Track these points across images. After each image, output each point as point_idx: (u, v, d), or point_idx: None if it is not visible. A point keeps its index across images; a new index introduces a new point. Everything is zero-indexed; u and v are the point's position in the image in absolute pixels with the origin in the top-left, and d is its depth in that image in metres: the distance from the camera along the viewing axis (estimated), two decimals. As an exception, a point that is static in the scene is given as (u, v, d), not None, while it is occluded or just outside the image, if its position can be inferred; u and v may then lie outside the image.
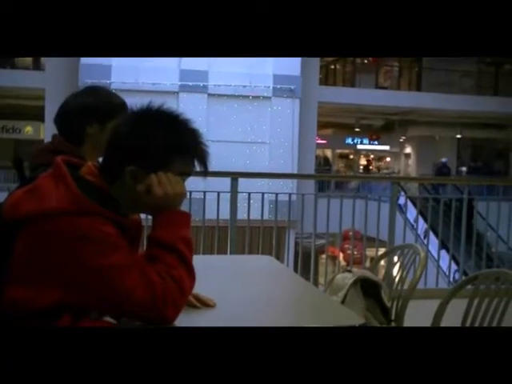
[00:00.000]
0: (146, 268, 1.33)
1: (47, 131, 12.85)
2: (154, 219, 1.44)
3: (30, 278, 1.29)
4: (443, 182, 10.82)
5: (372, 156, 27.37)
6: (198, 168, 1.47)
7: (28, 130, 18.95)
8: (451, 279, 5.83)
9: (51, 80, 13.11)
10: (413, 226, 6.66)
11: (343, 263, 8.41)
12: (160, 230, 1.41)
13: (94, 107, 1.95)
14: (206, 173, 1.48)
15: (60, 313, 1.29)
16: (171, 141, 1.41)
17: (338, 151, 26.65)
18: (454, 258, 5.66)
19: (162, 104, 1.45)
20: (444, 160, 17.44)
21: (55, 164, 1.39)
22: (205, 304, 1.64)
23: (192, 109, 13.32)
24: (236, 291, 1.86)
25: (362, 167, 25.93)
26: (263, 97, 13.79)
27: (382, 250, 4.28)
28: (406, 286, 2.55)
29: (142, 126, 1.41)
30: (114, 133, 1.45)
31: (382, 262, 3.12)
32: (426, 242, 7.72)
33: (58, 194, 1.31)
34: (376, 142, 25.66)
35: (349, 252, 6.19)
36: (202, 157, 1.47)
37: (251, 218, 4.77)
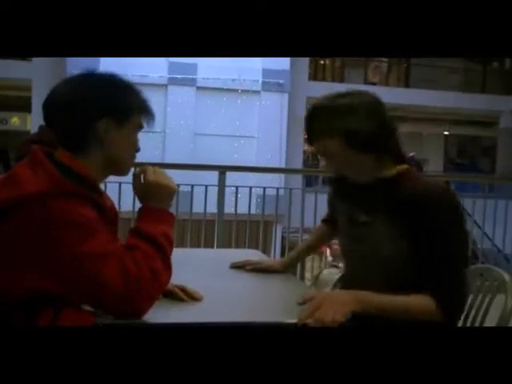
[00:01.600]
0: (123, 256, 1.32)
1: (34, 122, 12.76)
2: (140, 212, 1.45)
3: (8, 265, 1.28)
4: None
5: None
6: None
7: (15, 121, 18.80)
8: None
9: (38, 71, 13.00)
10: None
11: (330, 258, 8.44)
12: (144, 222, 1.43)
13: None
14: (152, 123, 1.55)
15: (40, 302, 1.27)
16: (132, 91, 1.49)
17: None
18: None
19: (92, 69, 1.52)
20: (411, 154, 17.71)
21: (31, 151, 1.40)
22: (191, 297, 1.63)
23: (180, 102, 13.31)
24: (222, 285, 1.86)
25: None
26: (252, 91, 13.77)
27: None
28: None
29: (105, 82, 1.49)
30: (67, 96, 1.46)
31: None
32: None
33: (37, 178, 1.31)
34: (364, 138, 25.72)
35: (335, 247, 6.21)
36: (149, 106, 1.54)
37: (238, 212, 4.77)
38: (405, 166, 1.73)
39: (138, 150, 1.55)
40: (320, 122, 1.70)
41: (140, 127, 1.52)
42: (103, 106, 1.44)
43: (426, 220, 1.60)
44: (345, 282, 1.87)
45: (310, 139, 1.76)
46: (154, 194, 1.48)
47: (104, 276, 1.28)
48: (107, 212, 1.42)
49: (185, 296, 1.63)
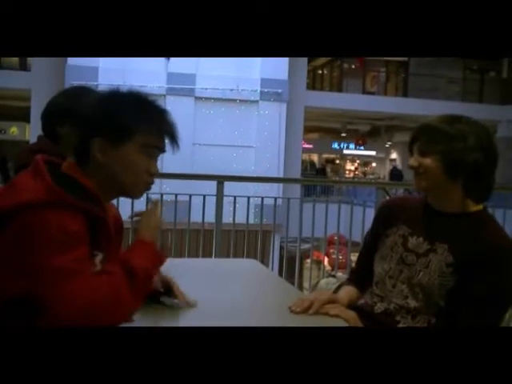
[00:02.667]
0: (91, 277, 1.28)
1: (33, 132, 12.77)
2: (134, 244, 1.44)
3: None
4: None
5: (358, 161, 27.49)
6: (167, 142, 1.47)
7: (13, 130, 18.84)
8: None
9: (37, 81, 13.04)
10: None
11: (328, 268, 8.43)
12: (131, 253, 1.40)
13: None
14: (175, 146, 1.47)
15: (23, 308, 1.26)
16: (135, 110, 1.42)
17: (325, 156, 26.76)
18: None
19: (130, 87, 1.47)
20: (395, 164, 20.41)
21: (34, 161, 1.38)
22: (185, 301, 1.64)
23: (179, 112, 13.31)
24: (220, 294, 1.86)
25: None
26: (250, 100, 13.81)
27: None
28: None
29: (105, 100, 1.44)
30: (79, 111, 1.45)
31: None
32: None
33: (33, 187, 1.30)
34: (362, 147, 25.79)
35: (333, 257, 6.21)
36: (169, 129, 1.46)
37: (236, 221, 4.77)
38: (480, 207, 1.76)
39: (151, 173, 1.46)
40: (427, 141, 1.73)
41: (153, 148, 1.44)
42: (96, 125, 1.40)
43: (484, 269, 1.64)
44: (377, 304, 1.85)
45: (414, 151, 1.77)
46: (151, 231, 1.46)
47: (65, 293, 1.24)
48: (105, 223, 1.40)
49: (180, 294, 1.63)
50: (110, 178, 1.42)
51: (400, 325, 1.74)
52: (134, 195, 1.50)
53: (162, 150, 1.47)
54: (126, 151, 1.41)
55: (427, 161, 1.71)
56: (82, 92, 2.01)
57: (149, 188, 1.49)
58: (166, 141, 1.47)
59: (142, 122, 1.41)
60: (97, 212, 1.36)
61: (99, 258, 1.40)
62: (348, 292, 1.95)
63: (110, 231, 1.43)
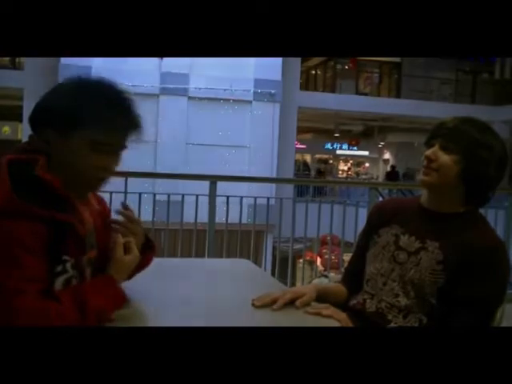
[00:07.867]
0: (33, 300, 1.23)
1: (25, 131, 12.72)
2: (101, 279, 1.41)
3: None
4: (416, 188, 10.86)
5: (351, 161, 27.56)
6: (131, 137, 1.40)
7: (5, 130, 18.77)
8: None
9: (30, 80, 12.98)
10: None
11: (321, 268, 8.44)
12: (94, 291, 1.35)
13: None
14: (138, 141, 1.41)
15: None
16: (87, 105, 1.34)
17: (317, 156, 26.82)
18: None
19: (101, 76, 1.42)
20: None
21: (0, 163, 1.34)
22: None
23: (172, 111, 13.33)
24: (212, 294, 1.86)
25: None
26: (244, 101, 13.82)
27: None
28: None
29: (61, 90, 1.39)
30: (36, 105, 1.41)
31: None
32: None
33: None
34: (355, 148, 25.86)
35: (326, 257, 6.22)
36: (128, 125, 1.39)
37: (229, 221, 4.77)
38: (471, 206, 1.76)
39: (103, 168, 1.39)
40: (454, 140, 1.70)
41: (104, 145, 1.37)
42: (46, 114, 1.36)
43: (473, 269, 1.64)
44: (367, 301, 1.86)
45: (435, 144, 1.74)
46: (125, 268, 1.45)
47: (4, 309, 1.21)
48: (73, 228, 1.35)
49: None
50: (68, 173, 1.37)
51: (391, 324, 1.75)
52: (86, 190, 1.46)
53: (121, 147, 1.41)
54: (74, 145, 1.36)
55: (446, 157, 1.70)
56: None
57: (103, 183, 1.44)
58: (132, 135, 1.40)
59: (92, 118, 1.34)
60: (61, 218, 1.31)
61: (70, 263, 1.36)
62: (326, 287, 1.97)
63: (79, 234, 1.38)
